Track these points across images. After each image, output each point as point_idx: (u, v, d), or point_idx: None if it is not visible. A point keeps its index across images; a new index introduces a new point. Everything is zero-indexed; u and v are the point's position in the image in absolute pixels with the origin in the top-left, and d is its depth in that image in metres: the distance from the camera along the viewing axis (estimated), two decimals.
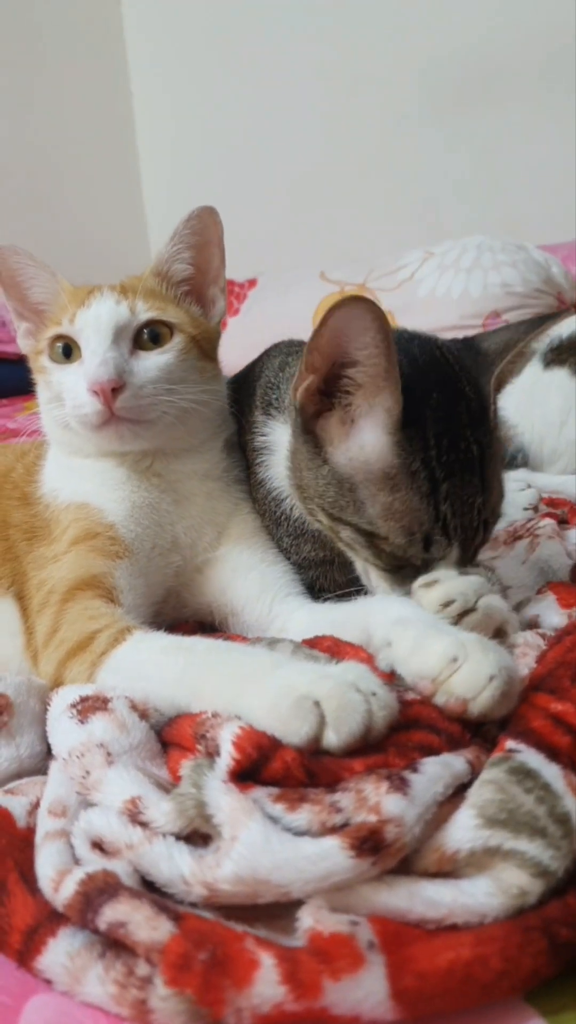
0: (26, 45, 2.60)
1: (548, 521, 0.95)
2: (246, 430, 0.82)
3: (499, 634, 0.61)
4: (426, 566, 0.65)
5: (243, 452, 0.83)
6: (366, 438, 0.64)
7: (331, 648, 0.62)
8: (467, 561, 0.66)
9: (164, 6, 2.90)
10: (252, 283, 2.43)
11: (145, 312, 0.76)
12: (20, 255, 0.80)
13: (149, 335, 0.76)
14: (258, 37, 2.69)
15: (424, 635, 0.54)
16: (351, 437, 0.65)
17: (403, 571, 0.66)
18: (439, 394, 0.65)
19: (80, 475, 0.78)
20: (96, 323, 0.74)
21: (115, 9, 2.94)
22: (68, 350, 0.76)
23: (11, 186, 2.48)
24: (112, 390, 0.71)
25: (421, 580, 0.63)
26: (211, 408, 0.80)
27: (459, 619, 0.59)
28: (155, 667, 0.60)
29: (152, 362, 0.75)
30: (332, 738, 0.48)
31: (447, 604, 0.60)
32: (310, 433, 0.68)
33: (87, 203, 2.79)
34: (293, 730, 0.48)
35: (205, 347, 0.81)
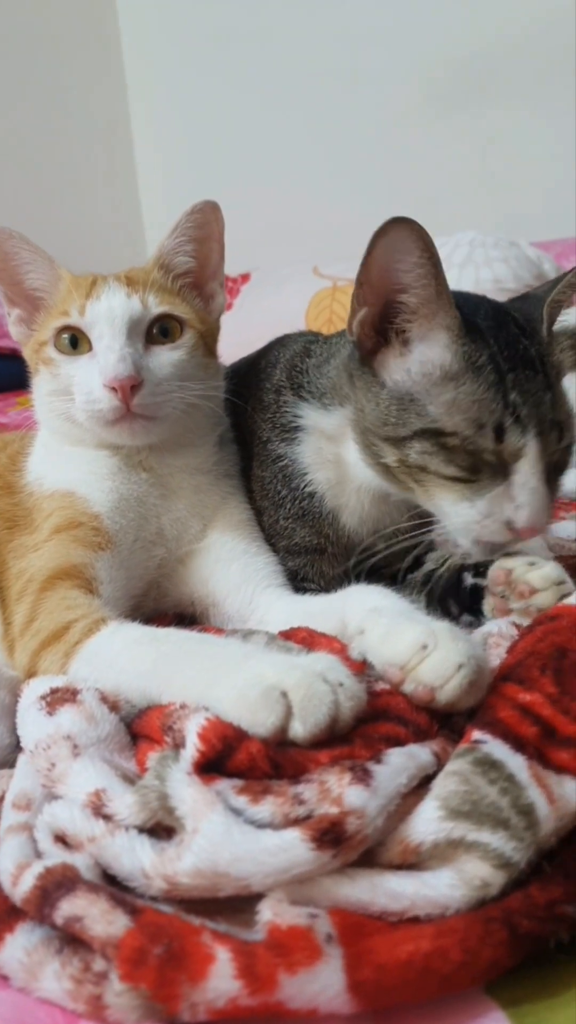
0: (20, 36, 2.58)
1: None
2: (260, 410, 0.81)
3: None
4: (503, 469, 0.62)
5: (250, 432, 0.83)
6: (427, 353, 0.64)
7: (305, 639, 0.61)
8: (552, 469, 0.63)
9: None
10: (245, 278, 2.42)
11: (157, 306, 0.75)
12: (15, 239, 0.78)
13: (160, 330, 0.75)
14: (255, 30, 2.68)
15: (396, 623, 0.54)
16: (411, 355, 0.65)
17: (480, 479, 0.62)
18: (486, 312, 0.66)
19: (69, 463, 0.77)
20: (110, 316, 0.73)
21: (110, 1, 2.93)
22: (75, 341, 0.75)
23: (3, 174, 2.46)
24: (131, 387, 0.70)
25: (522, 560, 0.63)
26: (212, 403, 0.79)
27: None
28: (127, 658, 0.60)
29: (166, 358, 0.74)
30: (298, 729, 0.47)
31: (560, 583, 0.62)
32: (368, 368, 0.68)
33: (81, 193, 2.77)
34: (260, 721, 0.47)
35: (209, 343, 0.81)
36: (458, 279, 2.00)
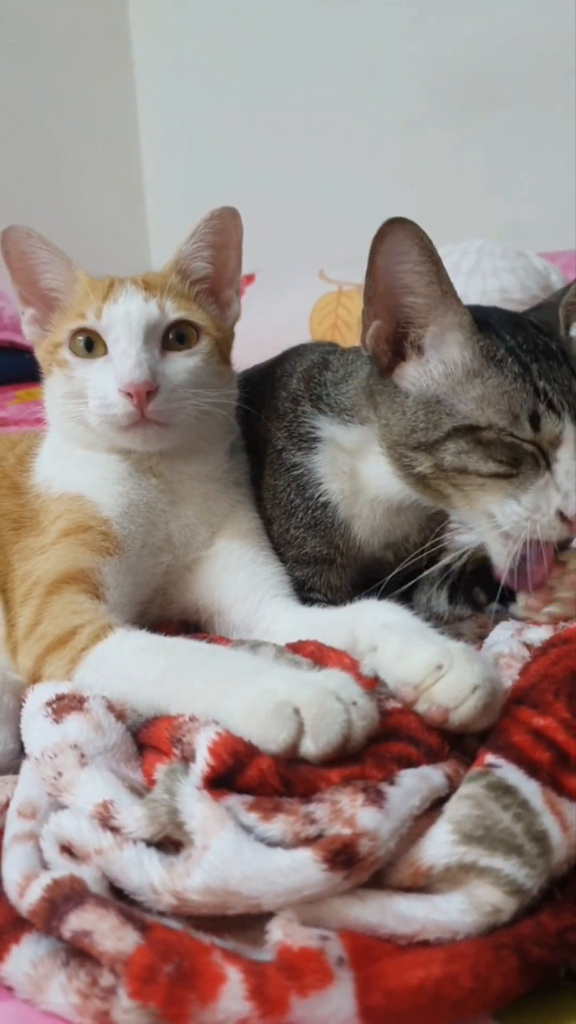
0: (29, 33, 2.57)
1: None
2: (275, 418, 0.81)
3: None
4: (545, 457, 0.61)
5: (263, 441, 0.82)
6: (445, 355, 0.64)
7: (314, 653, 0.61)
8: None
9: None
10: (249, 279, 2.41)
11: (174, 312, 0.75)
12: (33, 238, 0.77)
13: (176, 336, 0.75)
14: (263, 33, 2.68)
15: (410, 641, 0.53)
16: (429, 363, 0.65)
17: (522, 466, 0.61)
18: (500, 316, 0.66)
19: (79, 466, 0.77)
20: (127, 321, 0.72)
21: (122, 1, 2.92)
22: (90, 344, 0.74)
23: (12, 173, 2.45)
24: (146, 393, 0.69)
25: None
26: (226, 411, 0.79)
27: None
28: (135, 666, 0.59)
29: (182, 364, 0.74)
30: (310, 746, 0.47)
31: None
32: (388, 382, 0.67)
33: (88, 194, 2.77)
34: (271, 737, 0.47)
35: (224, 350, 0.80)
36: (464, 288, 2.00)
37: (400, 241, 0.60)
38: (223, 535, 0.78)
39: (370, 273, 0.63)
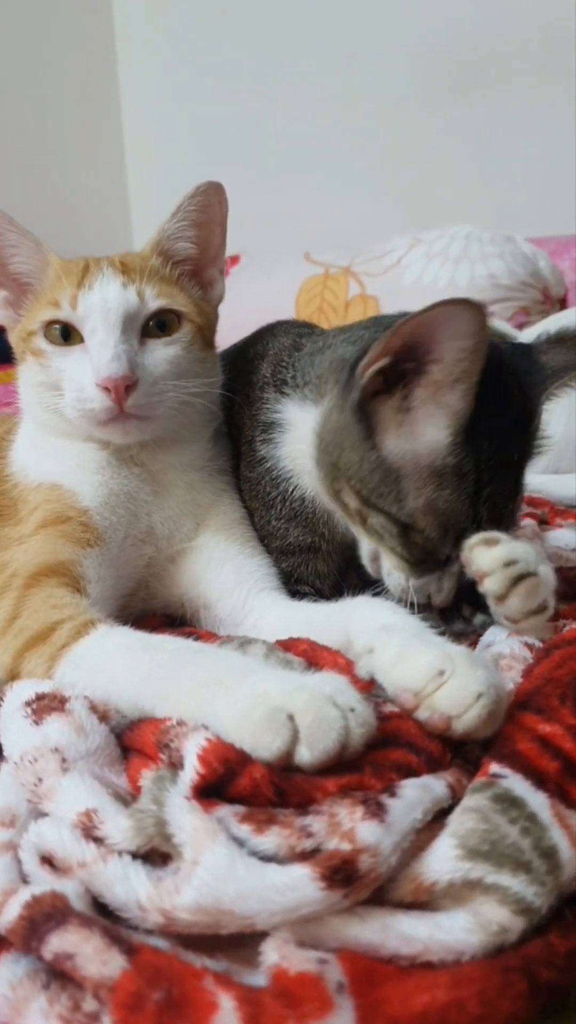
0: (9, 14, 2.48)
1: (528, 522, 0.93)
2: (246, 405, 0.78)
3: (540, 610, 0.60)
4: (448, 562, 0.65)
5: (238, 429, 0.80)
6: (425, 432, 0.62)
7: (307, 652, 0.58)
8: None
9: None
10: (234, 260, 2.37)
11: (154, 300, 0.71)
12: None
13: (156, 323, 0.71)
14: (250, 10, 2.61)
15: (410, 645, 0.51)
16: (406, 427, 0.63)
17: (427, 564, 0.65)
18: (493, 399, 0.63)
19: (56, 455, 0.74)
20: (103, 310, 0.68)
21: None
22: (67, 332, 0.70)
23: None
24: (125, 387, 0.66)
25: (479, 537, 0.61)
26: (209, 398, 0.76)
27: (515, 583, 0.59)
28: (119, 665, 0.57)
29: (161, 354, 0.71)
30: (305, 755, 0.44)
31: (509, 564, 0.59)
32: (363, 413, 0.65)
33: (69, 172, 2.69)
34: (264, 744, 0.45)
35: (207, 335, 0.77)
36: (453, 275, 1.97)
37: (467, 322, 0.57)
38: (207, 526, 0.76)
39: (416, 319, 0.58)
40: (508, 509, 0.65)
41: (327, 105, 2.57)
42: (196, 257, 0.78)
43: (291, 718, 0.45)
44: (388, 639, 0.53)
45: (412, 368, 0.62)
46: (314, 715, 0.45)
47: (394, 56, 2.43)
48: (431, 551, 0.64)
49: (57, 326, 0.70)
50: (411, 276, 1.98)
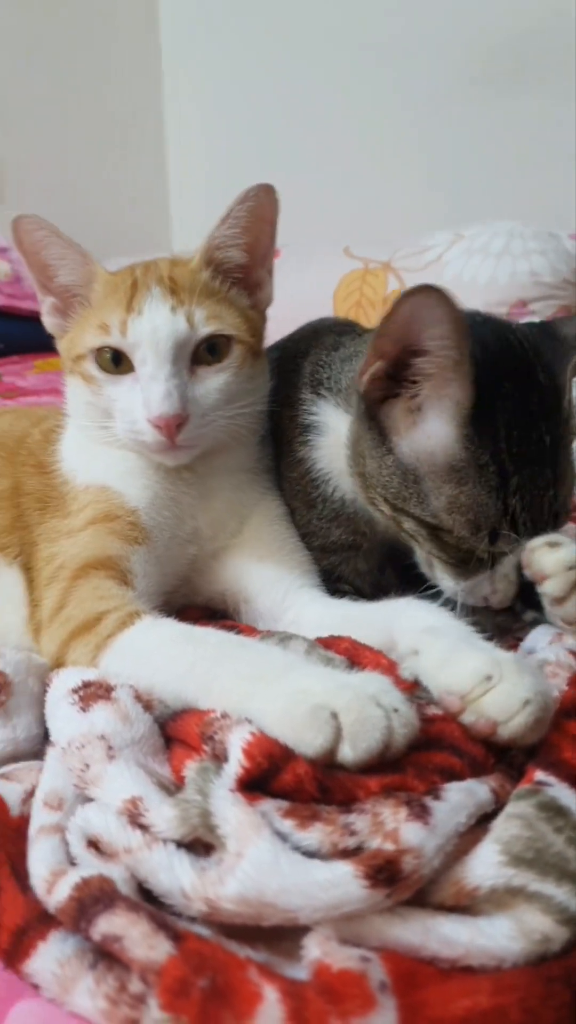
0: (55, 7, 2.51)
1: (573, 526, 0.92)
2: (287, 406, 0.78)
3: None
4: (494, 560, 0.63)
5: (279, 428, 0.80)
6: (433, 429, 0.61)
7: (349, 651, 0.59)
8: None
9: None
10: (276, 253, 2.36)
11: (204, 326, 0.69)
12: (44, 230, 0.72)
13: (207, 347, 0.70)
14: (292, 5, 2.59)
15: (457, 648, 0.51)
16: (417, 426, 0.62)
17: (469, 564, 0.64)
18: (511, 383, 0.62)
19: (104, 461, 0.74)
20: (153, 340, 0.67)
21: None
22: (118, 358, 0.70)
23: (33, 145, 2.40)
24: (176, 425, 0.67)
25: (542, 539, 0.60)
26: (258, 409, 0.76)
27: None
28: (163, 657, 0.58)
29: (212, 383, 0.70)
30: (347, 753, 0.45)
31: (573, 567, 0.58)
32: (374, 420, 0.65)
33: (112, 168, 2.71)
34: (306, 741, 0.45)
35: (256, 349, 0.76)
36: (494, 271, 1.95)
37: (431, 308, 0.56)
38: (251, 523, 0.76)
39: (390, 318, 0.59)
40: (548, 497, 0.62)
41: (370, 98, 2.55)
42: (246, 264, 0.76)
43: (334, 716, 0.45)
44: (434, 641, 0.53)
45: (409, 367, 0.61)
46: (357, 714, 0.45)
47: (435, 51, 2.41)
48: (468, 550, 0.63)
49: (108, 351, 0.70)
50: (451, 272, 1.95)
